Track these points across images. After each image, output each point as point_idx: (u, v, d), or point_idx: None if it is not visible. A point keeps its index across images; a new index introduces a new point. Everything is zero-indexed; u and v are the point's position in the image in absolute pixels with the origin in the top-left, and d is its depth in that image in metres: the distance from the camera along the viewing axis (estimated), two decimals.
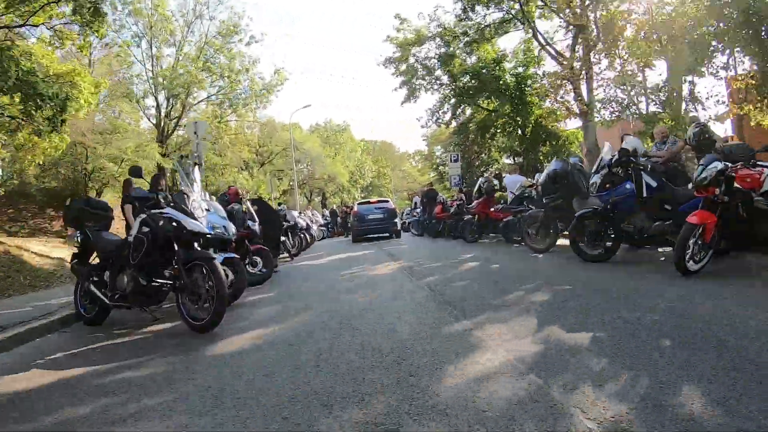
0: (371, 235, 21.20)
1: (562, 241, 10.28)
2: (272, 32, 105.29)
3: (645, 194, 7.61)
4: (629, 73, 17.25)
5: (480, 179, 17.05)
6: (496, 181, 16.06)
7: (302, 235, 17.99)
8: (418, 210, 23.50)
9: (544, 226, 10.55)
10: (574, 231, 8.47)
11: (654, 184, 7.63)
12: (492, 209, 14.79)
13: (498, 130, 27.59)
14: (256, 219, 10.08)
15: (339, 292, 7.61)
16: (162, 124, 32.84)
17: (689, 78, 15.69)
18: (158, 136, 33.34)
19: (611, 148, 8.54)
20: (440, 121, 26.35)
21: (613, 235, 8.18)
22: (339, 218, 30.14)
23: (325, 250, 18.28)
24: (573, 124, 25.42)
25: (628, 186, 7.83)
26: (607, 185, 8.13)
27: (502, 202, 14.93)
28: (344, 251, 16.36)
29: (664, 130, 10.31)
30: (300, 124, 54.72)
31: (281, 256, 13.98)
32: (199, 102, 33.68)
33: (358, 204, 23.03)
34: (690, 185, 7.13)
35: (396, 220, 21.54)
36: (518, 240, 12.58)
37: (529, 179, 13.05)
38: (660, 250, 8.49)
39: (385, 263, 11.21)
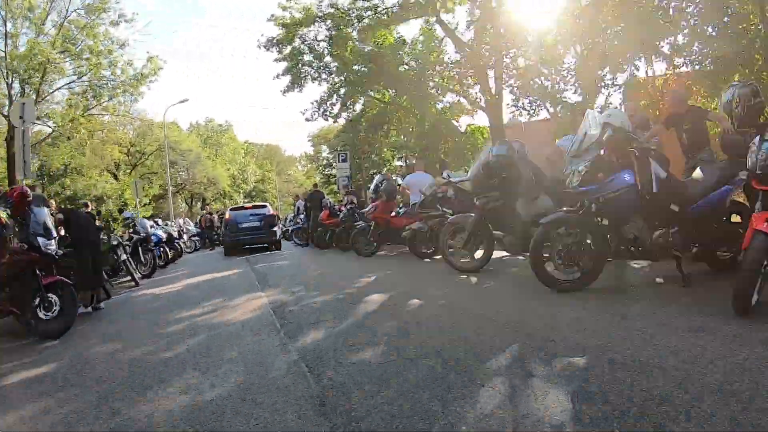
0: (247, 243, 17.84)
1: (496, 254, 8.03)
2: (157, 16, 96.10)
3: (655, 188, 5.22)
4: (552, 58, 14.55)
5: (377, 177, 14.01)
6: (399, 180, 13.08)
7: (162, 249, 15.11)
8: (302, 216, 20.39)
9: (475, 237, 7.62)
10: (538, 247, 5.54)
11: (663, 175, 5.34)
12: (393, 214, 12.21)
13: (393, 127, 24.64)
14: (53, 234, 6.77)
15: (157, 369, 4.19)
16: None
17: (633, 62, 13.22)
18: (9, 133, 27.90)
19: (597, 120, 5.60)
20: (328, 113, 22.84)
21: (595, 250, 5.49)
22: (200, 228, 25.33)
23: (188, 267, 15.07)
24: (480, 120, 23.05)
25: (627, 177, 5.32)
26: (600, 175, 5.31)
27: (401, 206, 12.51)
28: (209, 270, 13.03)
29: (646, 117, 8.46)
30: (178, 122, 49.65)
31: (123, 280, 11.34)
32: (55, 90, 28.36)
33: (231, 210, 19.50)
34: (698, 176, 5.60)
35: (276, 229, 18.08)
36: (428, 253, 10.21)
37: (443, 177, 9.98)
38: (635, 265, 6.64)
39: (250, 294, 7.85)
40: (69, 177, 31.05)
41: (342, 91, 22.25)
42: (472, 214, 7.62)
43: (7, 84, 27.04)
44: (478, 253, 7.76)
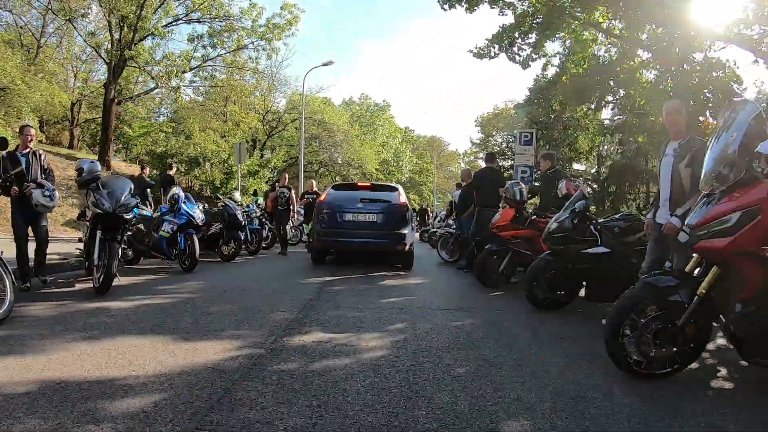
0: (352, 249, 10.51)
1: None
2: None
3: None
4: None
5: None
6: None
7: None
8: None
9: None
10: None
11: None
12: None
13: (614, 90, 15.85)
14: None
15: None
16: (112, 58, 22.41)
17: None
18: (108, 77, 23.05)
19: None
20: (513, 53, 14.74)
21: None
22: (262, 215, 14.10)
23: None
24: None
25: None
26: None
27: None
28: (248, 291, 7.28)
29: None
30: (331, 100, 43.84)
31: None
32: (156, 26, 22.76)
33: (333, 188, 11.43)
34: None
35: (406, 231, 10.06)
36: None
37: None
38: None
39: None
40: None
41: (538, 22, 13.86)
42: None
43: (108, 20, 22.08)
44: None
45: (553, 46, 29.51)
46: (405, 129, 60.42)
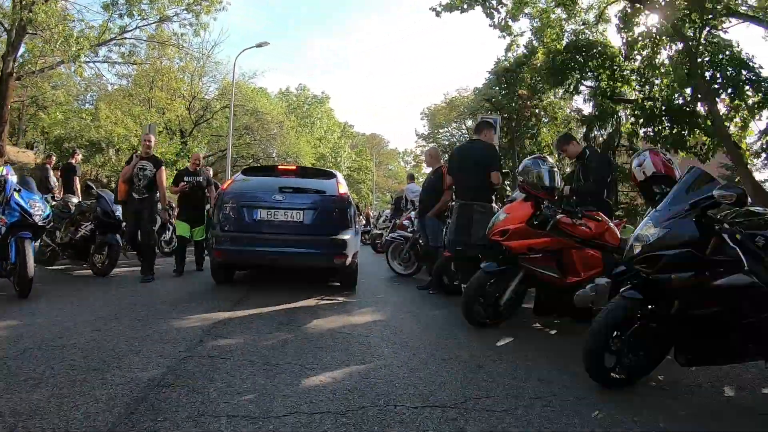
0: (266, 262, 6.93)
1: None
2: None
3: None
4: None
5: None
6: None
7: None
8: (412, 215, 9.76)
9: None
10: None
11: None
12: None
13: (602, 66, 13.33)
14: None
15: None
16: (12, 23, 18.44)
17: None
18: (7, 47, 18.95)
19: None
20: (490, 6, 12.09)
21: None
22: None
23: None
24: None
25: None
26: None
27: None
28: None
29: None
30: (267, 90, 40.14)
31: None
32: None
33: (243, 173, 7.95)
34: None
35: (347, 236, 6.70)
36: None
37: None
38: None
39: None
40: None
41: None
42: None
43: None
44: None
45: (519, 25, 27.15)
46: (344, 124, 57.39)
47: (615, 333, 3.32)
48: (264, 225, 6.59)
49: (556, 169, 5.06)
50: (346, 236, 6.70)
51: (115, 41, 22.04)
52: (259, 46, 25.97)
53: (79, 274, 7.98)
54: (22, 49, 19.43)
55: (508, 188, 15.03)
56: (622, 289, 3.42)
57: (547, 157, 5.46)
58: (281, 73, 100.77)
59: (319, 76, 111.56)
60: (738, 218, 3.34)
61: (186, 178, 8.73)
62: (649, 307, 3.31)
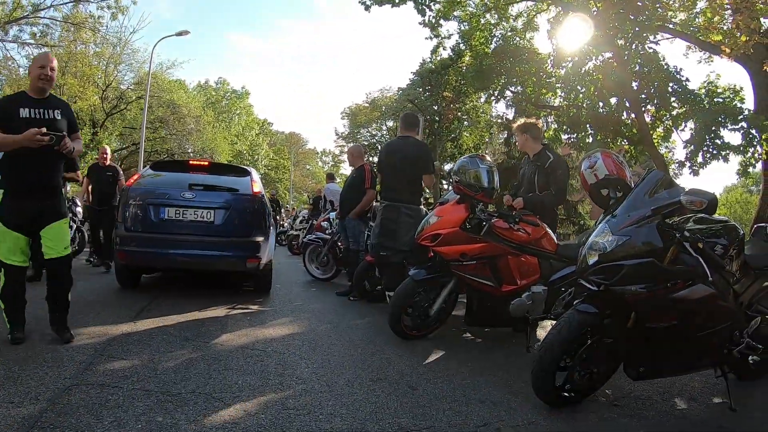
0: (174, 266, 6.64)
1: None
2: None
3: None
4: None
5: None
6: None
7: None
8: (331, 215, 9.42)
9: None
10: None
11: None
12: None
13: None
14: None
15: None
16: None
17: None
18: None
19: None
20: (422, 1, 12.02)
21: None
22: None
23: None
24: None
25: None
26: None
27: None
28: None
29: None
30: (185, 82, 38.57)
31: None
32: None
33: (152, 167, 7.34)
34: None
35: (260, 237, 6.24)
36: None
37: None
38: None
39: None
40: None
41: None
42: None
43: None
44: None
45: (447, 27, 27.14)
46: (263, 121, 56.04)
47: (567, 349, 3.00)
48: (172, 225, 6.01)
49: (494, 169, 4.68)
50: (260, 238, 6.27)
51: (27, 20, 20.47)
52: (179, 34, 24.67)
53: None
54: None
55: (446, 186, 14.91)
56: (575, 302, 3.08)
57: (486, 155, 5.09)
58: (201, 68, 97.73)
59: (241, 73, 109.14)
60: (691, 226, 3.08)
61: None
62: (604, 321, 2.98)
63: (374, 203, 7.04)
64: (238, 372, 3.50)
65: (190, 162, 7.48)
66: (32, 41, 21.85)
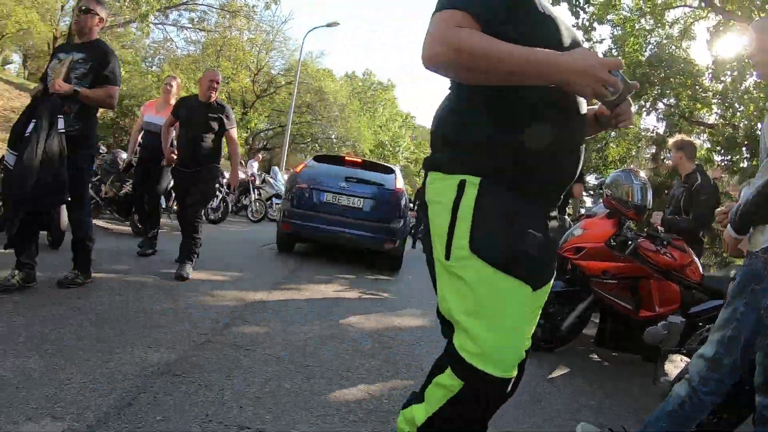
0: (327, 239, 7.96)
1: None
2: None
3: None
4: None
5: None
6: None
7: None
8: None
9: None
10: None
11: None
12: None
13: None
14: None
15: None
16: None
17: None
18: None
19: None
20: (576, 3, 12.06)
21: None
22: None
23: None
24: None
25: None
26: None
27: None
28: None
29: None
30: (331, 70, 39.47)
31: None
32: None
33: (314, 159, 8.81)
34: None
35: (397, 225, 7.74)
36: None
37: None
38: None
39: None
40: None
41: None
42: None
43: None
44: None
45: (600, 32, 26.28)
46: (407, 114, 56.49)
47: None
48: (328, 207, 7.61)
49: (648, 186, 4.56)
50: (396, 225, 7.69)
51: (186, 6, 22.36)
52: (330, 26, 25.40)
53: (120, 231, 7.82)
54: None
55: (587, 200, 14.54)
56: None
57: (640, 171, 4.97)
58: (346, 57, 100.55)
59: (386, 65, 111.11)
60: None
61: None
62: None
63: None
64: (367, 355, 3.65)
65: (347, 158, 8.93)
66: (190, 26, 23.77)
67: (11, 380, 2.41)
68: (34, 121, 3.69)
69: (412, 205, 14.49)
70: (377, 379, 3.24)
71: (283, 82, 33.12)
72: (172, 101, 6.42)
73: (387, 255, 8.05)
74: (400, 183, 8.14)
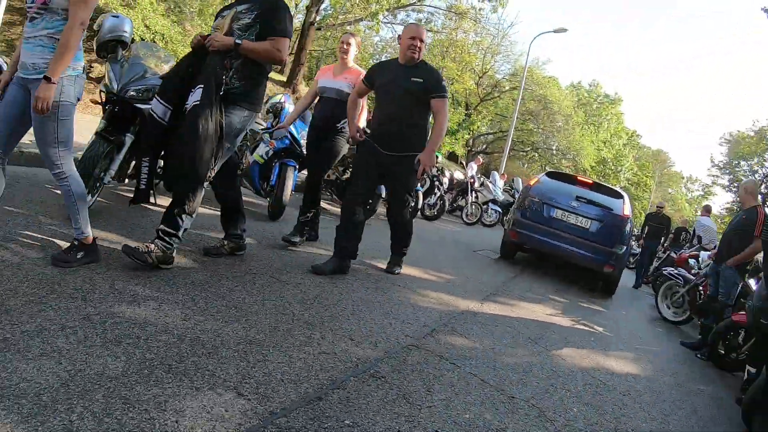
0: (552, 253, 8.23)
1: None
2: None
3: None
4: None
5: None
6: None
7: None
8: (704, 255, 8.85)
9: None
10: None
11: None
12: None
13: None
14: None
15: None
16: None
17: None
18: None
19: None
20: None
21: None
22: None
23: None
24: None
25: None
26: None
27: None
28: None
29: None
30: (557, 78, 38.23)
31: None
32: None
33: (547, 175, 8.94)
34: None
35: (621, 251, 7.71)
36: None
37: None
38: None
39: None
40: None
41: None
42: None
43: None
44: None
45: None
46: (632, 132, 52.97)
47: None
48: (557, 223, 7.84)
49: None
50: (620, 250, 7.68)
51: (413, 6, 22.88)
52: (557, 32, 24.12)
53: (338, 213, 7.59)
54: (326, 3, 20.87)
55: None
56: None
57: None
58: (569, 65, 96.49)
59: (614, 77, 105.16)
60: None
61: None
62: None
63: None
64: (575, 397, 3.29)
65: (578, 178, 8.89)
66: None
67: (206, 344, 2.43)
68: (200, 86, 3.33)
69: (638, 233, 13.30)
70: (584, 427, 2.88)
71: (508, 87, 32.67)
72: (350, 63, 5.29)
73: (604, 278, 8.12)
74: (627, 209, 8.07)
